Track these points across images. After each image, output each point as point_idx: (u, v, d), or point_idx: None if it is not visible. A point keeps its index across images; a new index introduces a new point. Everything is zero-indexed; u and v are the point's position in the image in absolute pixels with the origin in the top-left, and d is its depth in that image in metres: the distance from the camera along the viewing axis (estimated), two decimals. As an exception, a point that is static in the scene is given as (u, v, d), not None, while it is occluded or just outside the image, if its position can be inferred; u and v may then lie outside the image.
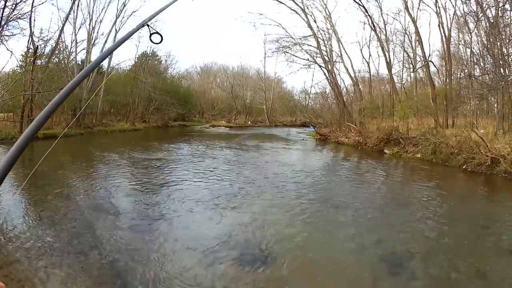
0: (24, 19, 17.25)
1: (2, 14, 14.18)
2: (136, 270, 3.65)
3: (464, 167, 10.30)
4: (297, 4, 21.82)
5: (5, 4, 14.14)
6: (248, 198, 6.62)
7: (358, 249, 4.37)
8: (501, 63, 13.18)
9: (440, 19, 16.90)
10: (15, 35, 17.10)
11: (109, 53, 1.44)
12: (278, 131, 29.47)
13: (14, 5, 15.15)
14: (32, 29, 18.03)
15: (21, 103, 17.82)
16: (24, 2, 16.12)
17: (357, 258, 4.14)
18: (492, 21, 13.81)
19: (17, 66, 20.82)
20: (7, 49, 22.07)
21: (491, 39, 14.05)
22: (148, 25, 1.69)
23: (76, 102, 23.13)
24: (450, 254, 4.26)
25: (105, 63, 28.24)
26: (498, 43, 13.55)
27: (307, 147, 17.63)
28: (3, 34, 15.21)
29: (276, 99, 44.07)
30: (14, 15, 15.71)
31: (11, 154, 1.00)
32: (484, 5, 14.39)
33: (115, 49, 1.77)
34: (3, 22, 14.41)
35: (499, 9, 13.48)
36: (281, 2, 21.99)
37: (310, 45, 23.14)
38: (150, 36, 1.75)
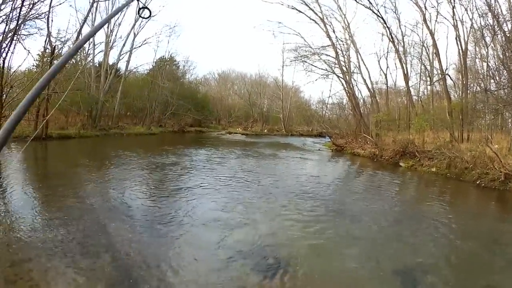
0: (42, 19, 17.14)
1: (20, 13, 14.06)
2: (148, 275, 3.71)
3: (477, 182, 10.47)
4: (316, 14, 22.21)
5: (22, 3, 14.07)
6: (263, 206, 6.85)
7: (371, 262, 4.44)
8: (516, 78, 13.25)
9: (457, 32, 17.09)
10: (32, 34, 17.18)
11: (99, 27, 1.44)
12: (294, 140, 29.69)
13: (31, 5, 15.07)
14: (50, 29, 18.07)
15: (37, 102, 17.53)
16: (42, 1, 16.07)
17: (370, 270, 4.21)
18: (508, 35, 13.93)
19: (33, 66, 21.16)
20: (24, 48, 21.89)
21: (507, 54, 14.15)
22: None
23: (93, 103, 23.70)
24: (461, 269, 4.42)
25: (122, 66, 28.84)
26: (514, 58, 13.65)
27: (323, 158, 17.92)
28: (20, 33, 15.10)
29: (293, 108, 44.44)
30: (32, 14, 15.67)
31: None
32: (500, 18, 14.51)
33: (105, 23, 1.57)
34: (20, 21, 14.26)
35: (516, 23, 13.62)
36: (301, 12, 22.35)
37: (329, 55, 23.39)
38: (138, 11, 1.60)
